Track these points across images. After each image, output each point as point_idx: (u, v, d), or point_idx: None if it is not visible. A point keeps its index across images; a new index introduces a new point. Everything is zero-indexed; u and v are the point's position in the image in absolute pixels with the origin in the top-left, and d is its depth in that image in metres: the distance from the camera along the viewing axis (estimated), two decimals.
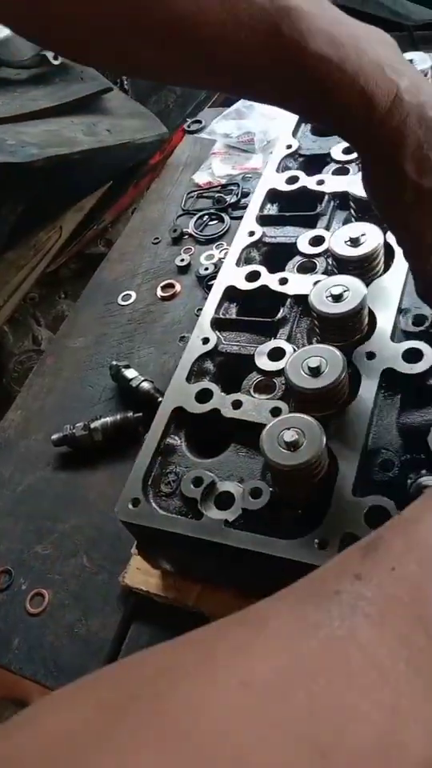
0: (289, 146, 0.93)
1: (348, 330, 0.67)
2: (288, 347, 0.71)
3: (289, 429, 0.58)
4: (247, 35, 0.47)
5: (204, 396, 0.69)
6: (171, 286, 1.09)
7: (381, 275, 0.72)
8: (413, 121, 0.48)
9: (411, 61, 0.89)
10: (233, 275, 0.80)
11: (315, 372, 0.61)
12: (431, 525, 0.37)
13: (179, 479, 0.65)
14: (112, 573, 0.81)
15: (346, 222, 0.81)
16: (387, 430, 0.63)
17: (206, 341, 0.75)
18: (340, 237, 0.72)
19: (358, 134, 0.51)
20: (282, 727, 0.27)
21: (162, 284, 1.09)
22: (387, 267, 0.73)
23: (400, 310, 0.70)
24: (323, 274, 0.76)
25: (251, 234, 0.84)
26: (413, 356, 0.64)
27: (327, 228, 0.81)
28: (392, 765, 0.28)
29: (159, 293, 1.09)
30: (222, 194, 1.19)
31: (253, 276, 0.79)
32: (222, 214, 1.16)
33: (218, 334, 0.76)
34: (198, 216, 1.18)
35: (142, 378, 0.93)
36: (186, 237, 1.16)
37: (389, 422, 0.63)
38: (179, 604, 0.73)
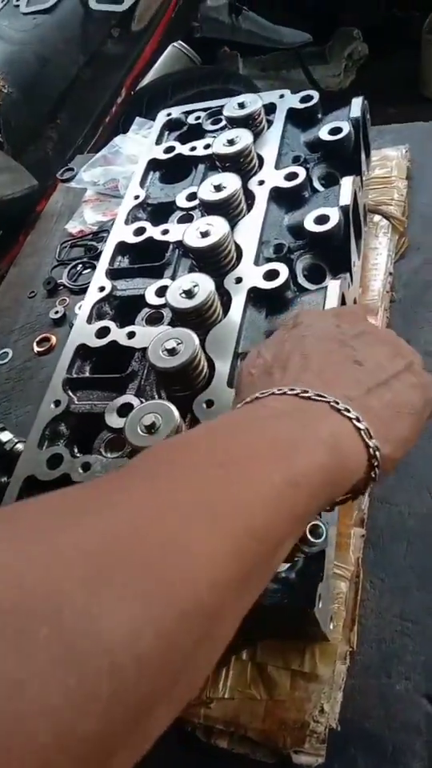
0: (136, 197, 0.95)
1: (186, 380, 0.69)
2: (136, 402, 0.72)
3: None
4: None
5: (54, 462, 0.70)
6: (47, 339, 1.09)
7: (219, 321, 0.75)
8: None
9: (242, 104, 0.93)
10: (84, 333, 0.81)
11: (150, 429, 0.62)
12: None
13: None
14: None
15: (192, 270, 0.84)
16: None
17: (57, 403, 0.75)
18: (175, 289, 0.74)
19: None
20: None
21: (37, 338, 1.09)
22: (226, 311, 0.76)
23: (236, 355, 0.72)
24: (169, 324, 0.78)
25: (101, 289, 0.85)
26: None
27: (173, 277, 0.83)
28: None
29: (35, 348, 1.09)
30: (93, 242, 1.21)
31: (102, 332, 0.80)
32: (94, 262, 1.17)
33: (71, 394, 0.77)
34: (71, 266, 1.19)
35: (17, 440, 0.92)
36: (61, 288, 1.17)
37: None
38: None
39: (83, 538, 0.31)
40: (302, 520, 0.41)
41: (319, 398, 0.45)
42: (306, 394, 0.46)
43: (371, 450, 0.45)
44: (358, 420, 0.45)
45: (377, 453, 0.45)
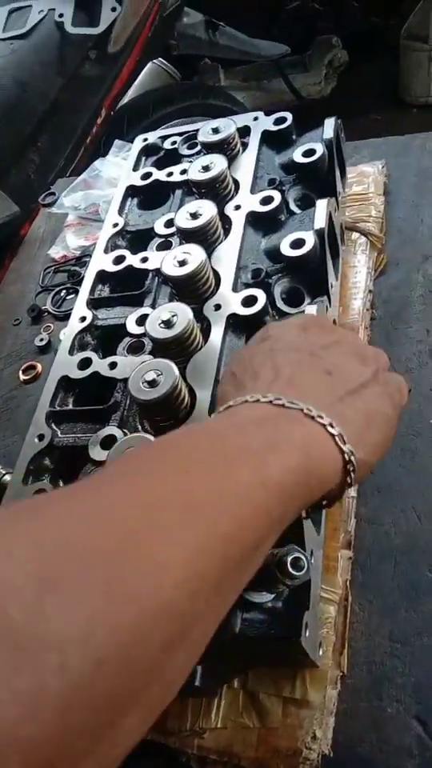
0: (115, 225, 0.96)
1: (167, 411, 0.69)
2: (119, 433, 0.73)
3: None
4: None
5: None
6: (32, 367, 1.09)
7: (200, 349, 0.75)
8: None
9: (216, 129, 0.94)
10: (66, 364, 0.82)
11: None
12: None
13: None
14: None
15: (172, 297, 0.84)
16: None
17: (41, 437, 0.76)
18: (154, 319, 0.74)
19: None
20: None
21: (22, 367, 1.10)
22: (206, 338, 0.76)
23: (217, 382, 0.72)
24: (150, 353, 0.79)
25: (82, 319, 0.86)
26: None
27: (153, 306, 0.84)
28: None
29: (21, 376, 1.09)
30: (76, 267, 1.21)
31: (84, 363, 0.80)
32: (78, 287, 1.17)
33: (55, 427, 0.77)
34: (54, 292, 1.19)
35: (4, 472, 0.92)
36: (45, 314, 1.17)
37: None
38: None
39: (40, 534, 0.30)
40: (277, 522, 0.41)
41: (292, 405, 0.46)
42: (279, 402, 0.46)
43: (346, 454, 0.46)
44: (331, 426, 0.46)
45: (351, 458, 0.46)
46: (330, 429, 0.45)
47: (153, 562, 0.32)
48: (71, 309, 1.15)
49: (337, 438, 0.46)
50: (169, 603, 0.31)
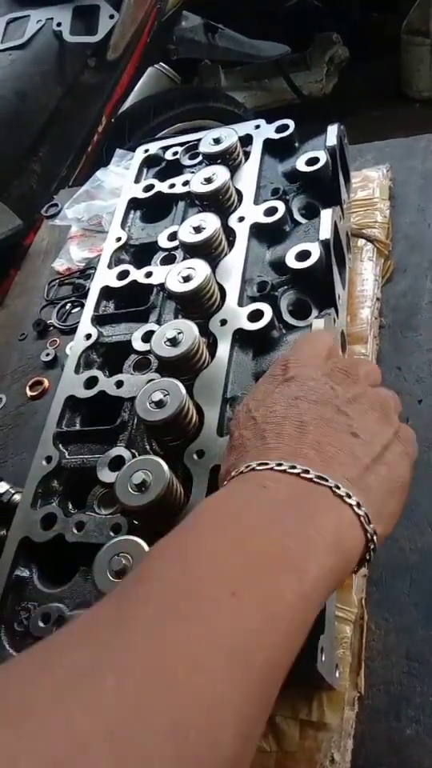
0: (118, 239, 0.95)
1: (175, 430, 0.68)
2: (127, 454, 0.72)
3: (118, 555, 0.59)
4: None
5: (48, 521, 0.69)
6: (39, 383, 1.09)
7: (207, 366, 0.74)
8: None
9: (218, 139, 0.93)
10: (72, 383, 0.81)
11: (140, 487, 0.62)
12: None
13: (30, 616, 0.65)
14: None
15: (178, 312, 0.83)
16: None
17: (48, 459, 0.75)
18: (159, 337, 0.73)
19: None
20: None
21: (29, 382, 1.09)
22: (213, 354, 0.75)
23: (225, 400, 0.71)
24: (156, 370, 0.78)
25: (88, 336, 0.85)
26: None
27: (159, 321, 0.83)
28: None
29: (28, 392, 1.08)
30: (81, 280, 1.20)
31: (91, 383, 0.80)
32: (83, 300, 1.16)
33: (62, 448, 0.76)
34: (59, 305, 1.19)
35: (13, 492, 0.92)
36: (51, 329, 1.17)
37: None
38: None
39: (103, 702, 0.30)
40: (310, 623, 0.41)
41: (321, 482, 0.45)
42: (308, 476, 0.45)
43: (369, 534, 0.45)
44: (358, 506, 0.45)
45: (374, 536, 0.45)
46: (356, 510, 0.45)
47: (209, 727, 0.32)
48: (77, 322, 1.14)
49: (362, 519, 0.45)
50: (229, 756, 0.32)
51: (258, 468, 0.47)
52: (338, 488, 0.45)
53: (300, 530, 0.42)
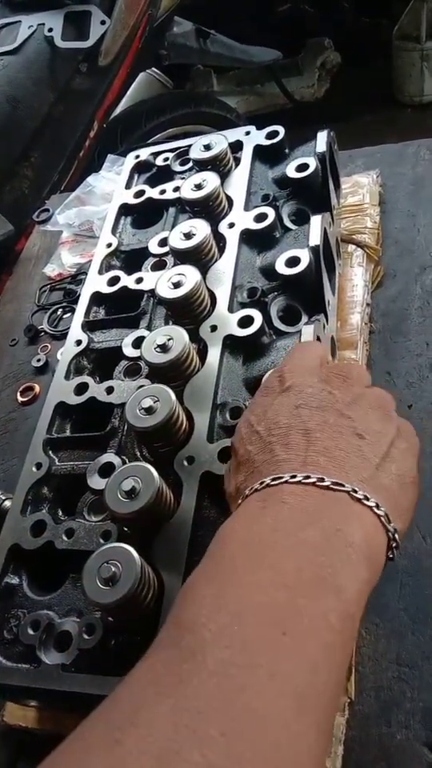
0: (109, 245, 0.95)
1: (165, 437, 0.68)
2: (117, 461, 0.72)
3: (107, 562, 0.58)
4: None
5: (38, 529, 0.69)
6: (30, 388, 1.09)
7: (197, 372, 0.74)
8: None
9: (208, 145, 0.93)
10: (62, 390, 0.81)
11: (130, 494, 0.62)
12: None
13: (20, 623, 0.64)
14: None
15: (168, 318, 0.83)
16: None
17: (38, 465, 0.75)
18: (150, 343, 0.73)
19: None
20: None
21: (20, 388, 1.09)
22: (203, 360, 0.75)
23: (215, 406, 0.71)
24: (146, 376, 0.78)
25: (78, 342, 0.85)
26: None
27: (149, 327, 0.83)
28: None
29: (19, 397, 1.08)
30: (72, 285, 1.20)
31: (81, 389, 0.80)
32: (74, 306, 1.16)
33: (53, 455, 0.76)
34: (51, 311, 1.18)
35: (4, 498, 0.91)
36: (42, 334, 1.17)
37: None
38: (58, 734, 0.72)
39: None
40: (356, 636, 0.44)
41: (337, 488, 0.45)
42: (324, 483, 0.45)
43: (390, 533, 0.46)
44: (377, 507, 0.45)
45: (395, 535, 0.46)
46: (376, 511, 0.45)
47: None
48: (68, 328, 1.14)
49: (383, 519, 0.45)
50: None
51: (272, 483, 0.46)
52: (355, 491, 0.45)
53: (330, 545, 0.42)
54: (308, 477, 0.45)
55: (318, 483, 0.45)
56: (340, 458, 0.47)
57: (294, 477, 0.46)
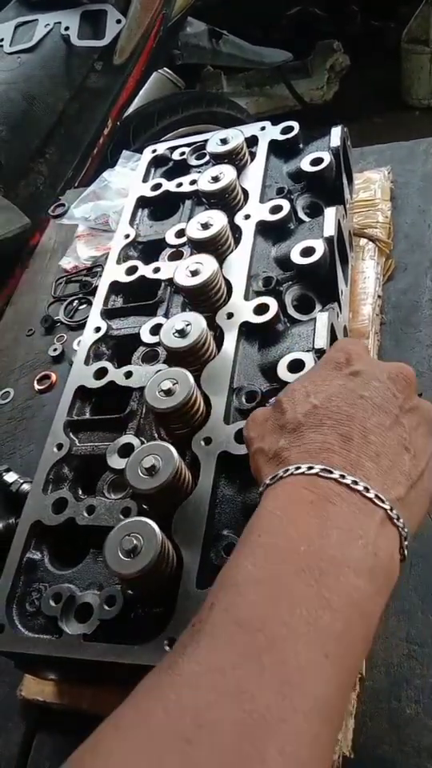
0: (127, 236, 0.97)
1: (183, 419, 0.70)
2: (136, 441, 0.74)
3: (129, 535, 0.60)
4: None
5: (59, 506, 0.71)
6: (47, 377, 1.11)
7: (214, 357, 0.76)
8: None
9: (225, 140, 0.96)
10: (82, 374, 0.83)
11: (150, 471, 0.64)
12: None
13: (42, 596, 0.66)
14: (12, 685, 0.81)
15: (185, 306, 0.85)
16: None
17: (59, 446, 0.77)
18: (168, 329, 0.75)
19: None
20: None
21: (38, 376, 1.11)
22: (220, 346, 0.77)
23: (232, 390, 0.73)
24: (164, 362, 0.80)
25: (97, 329, 0.87)
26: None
27: (166, 315, 0.85)
28: None
29: (36, 386, 1.10)
30: (87, 278, 1.23)
31: (100, 373, 0.82)
32: (90, 297, 1.19)
33: (73, 436, 0.78)
34: (67, 302, 1.21)
35: (22, 481, 0.94)
36: (58, 324, 1.19)
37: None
38: (75, 709, 0.74)
39: None
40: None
41: (378, 503, 0.46)
42: (368, 494, 0.46)
43: (404, 551, 0.48)
44: (403, 528, 0.47)
45: (405, 552, 0.48)
46: (402, 531, 0.47)
47: None
48: (84, 319, 1.17)
49: (403, 539, 0.47)
50: None
51: (322, 475, 0.47)
52: (392, 510, 0.46)
53: (367, 568, 0.44)
54: (356, 482, 0.46)
55: (364, 493, 0.46)
56: (385, 468, 0.48)
57: (344, 477, 0.46)
